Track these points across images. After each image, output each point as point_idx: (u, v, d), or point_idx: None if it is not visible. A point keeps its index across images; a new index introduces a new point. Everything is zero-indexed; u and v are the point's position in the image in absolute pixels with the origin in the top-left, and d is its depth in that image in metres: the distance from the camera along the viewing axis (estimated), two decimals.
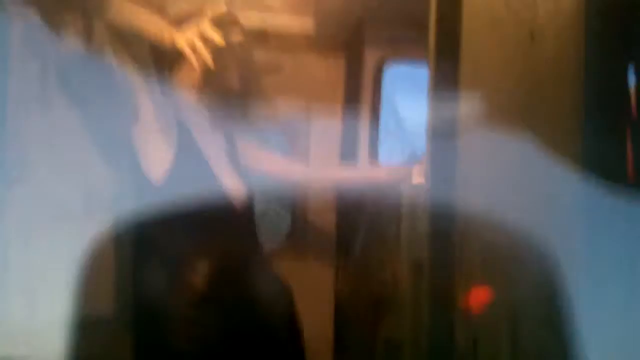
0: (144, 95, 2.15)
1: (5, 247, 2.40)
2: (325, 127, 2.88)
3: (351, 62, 2.94)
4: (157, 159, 2.20)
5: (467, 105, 1.31)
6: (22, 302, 2.31)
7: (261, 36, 2.67)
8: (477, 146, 1.26)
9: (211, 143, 2.32)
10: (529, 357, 1.00)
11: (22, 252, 2.33)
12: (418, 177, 1.95)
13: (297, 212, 2.94)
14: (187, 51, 2.15)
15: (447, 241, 1.34)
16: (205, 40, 2.15)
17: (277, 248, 2.99)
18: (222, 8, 2.26)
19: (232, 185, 2.30)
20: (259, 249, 2.40)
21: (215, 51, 2.18)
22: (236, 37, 2.30)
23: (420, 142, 1.73)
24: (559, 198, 0.92)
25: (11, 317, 2.30)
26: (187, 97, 2.29)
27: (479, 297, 0.95)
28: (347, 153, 2.90)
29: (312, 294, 2.71)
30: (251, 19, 2.60)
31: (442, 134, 1.40)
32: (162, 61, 2.30)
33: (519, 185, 1.07)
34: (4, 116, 2.30)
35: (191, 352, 2.10)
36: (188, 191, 2.23)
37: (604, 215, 0.87)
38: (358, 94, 2.87)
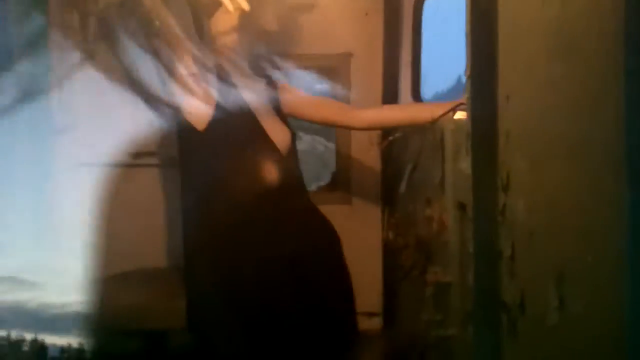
0: (183, 42, 2.14)
1: (52, 193, 2.46)
2: (366, 65, 2.83)
3: None
4: (199, 106, 2.20)
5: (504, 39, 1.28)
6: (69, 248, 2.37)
7: None
8: (517, 80, 1.22)
9: (251, 87, 2.30)
10: (576, 314, 0.98)
11: (67, 199, 2.38)
12: (461, 114, 1.91)
13: (341, 152, 2.92)
14: None
15: (490, 181, 1.32)
16: None
17: (323, 190, 2.99)
18: None
19: (273, 128, 2.29)
20: (303, 193, 2.39)
21: None
22: None
23: (462, 78, 1.68)
24: (606, 139, 0.88)
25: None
26: (225, 42, 2.28)
27: None
28: (389, 91, 2.85)
29: (360, 238, 2.71)
30: None
31: (484, 69, 1.36)
32: (199, 7, 2.29)
33: (565, 123, 1.03)
34: (47, 68, 2.32)
35: (241, 298, 2.13)
36: (231, 138, 2.24)
37: None
38: (398, 29, 2.80)
